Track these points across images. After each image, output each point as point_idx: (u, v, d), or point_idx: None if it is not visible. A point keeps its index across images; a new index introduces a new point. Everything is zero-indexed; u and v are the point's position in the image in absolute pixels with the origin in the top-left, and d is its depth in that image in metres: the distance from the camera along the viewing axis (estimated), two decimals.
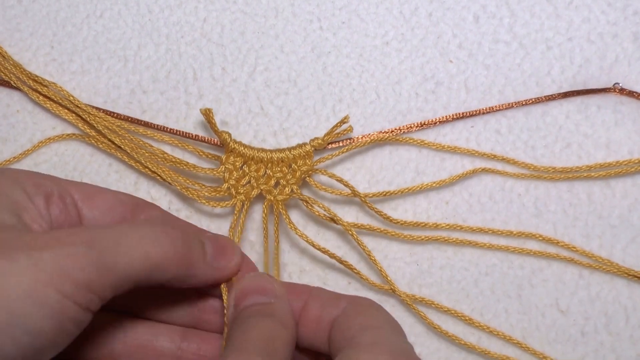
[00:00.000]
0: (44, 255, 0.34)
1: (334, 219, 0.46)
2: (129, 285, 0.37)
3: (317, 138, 0.47)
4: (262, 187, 0.47)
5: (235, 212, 0.47)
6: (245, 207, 0.47)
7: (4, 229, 0.35)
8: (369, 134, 0.49)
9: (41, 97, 0.49)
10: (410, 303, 0.46)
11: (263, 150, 0.47)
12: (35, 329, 0.33)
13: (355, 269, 0.46)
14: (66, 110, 0.49)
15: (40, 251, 0.34)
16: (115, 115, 0.49)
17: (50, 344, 0.34)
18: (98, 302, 0.35)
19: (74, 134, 0.49)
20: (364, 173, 0.49)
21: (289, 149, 0.47)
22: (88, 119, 0.48)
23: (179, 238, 0.38)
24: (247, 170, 0.47)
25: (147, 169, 0.47)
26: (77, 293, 0.34)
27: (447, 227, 0.47)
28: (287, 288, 0.40)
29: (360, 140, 0.48)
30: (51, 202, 0.39)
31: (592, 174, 0.47)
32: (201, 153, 0.48)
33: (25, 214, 0.37)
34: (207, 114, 0.46)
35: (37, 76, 0.49)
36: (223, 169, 0.47)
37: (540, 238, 0.47)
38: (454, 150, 0.48)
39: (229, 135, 0.47)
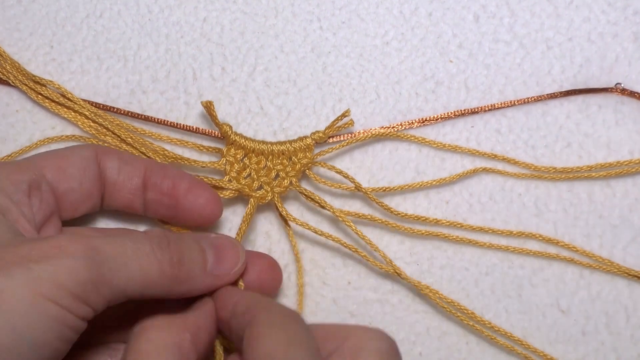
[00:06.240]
0: (42, 268, 0.33)
1: (324, 207, 0.46)
2: (123, 299, 0.37)
3: (318, 131, 0.47)
4: (262, 180, 0.47)
5: (247, 212, 0.47)
6: (252, 205, 0.46)
7: None
8: (370, 129, 0.48)
9: (40, 97, 0.49)
10: (417, 284, 0.46)
11: (264, 142, 0.47)
12: (39, 343, 0.33)
13: (362, 252, 0.46)
14: (66, 109, 0.49)
15: (38, 263, 0.34)
16: (115, 109, 0.49)
17: (54, 353, 0.34)
18: (92, 313, 0.35)
19: (73, 136, 0.49)
20: (364, 173, 0.49)
21: (290, 142, 0.47)
22: (88, 114, 0.48)
23: (177, 252, 0.38)
24: (247, 163, 0.47)
25: None
26: (74, 305, 0.34)
27: (448, 224, 0.47)
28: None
29: (361, 134, 0.48)
30: (31, 195, 0.39)
31: (593, 173, 0.47)
32: (201, 148, 0.48)
33: (9, 216, 0.37)
34: (208, 106, 0.46)
35: (35, 76, 0.49)
36: (224, 161, 0.47)
37: (540, 238, 0.47)
38: (454, 150, 0.48)
39: (230, 127, 0.47)
